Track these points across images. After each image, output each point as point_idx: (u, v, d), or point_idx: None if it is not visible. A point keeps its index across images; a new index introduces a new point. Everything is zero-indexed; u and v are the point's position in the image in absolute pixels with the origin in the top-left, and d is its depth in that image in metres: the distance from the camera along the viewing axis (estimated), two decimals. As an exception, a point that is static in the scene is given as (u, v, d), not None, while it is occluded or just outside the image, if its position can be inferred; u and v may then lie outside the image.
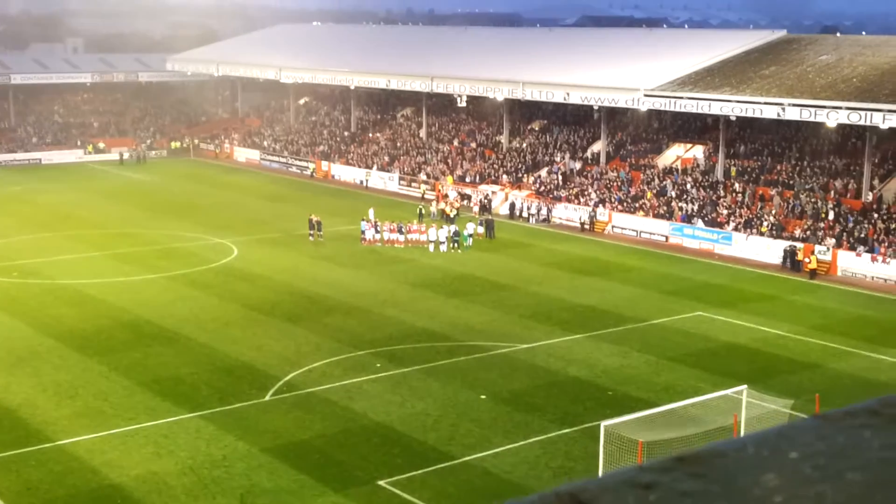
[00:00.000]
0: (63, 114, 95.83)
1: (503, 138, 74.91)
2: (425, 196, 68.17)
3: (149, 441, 27.56)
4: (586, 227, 59.88)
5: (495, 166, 71.39)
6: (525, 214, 63.46)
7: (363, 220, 55.74)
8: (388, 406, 30.36)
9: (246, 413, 29.71)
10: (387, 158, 78.26)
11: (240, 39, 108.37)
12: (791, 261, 50.43)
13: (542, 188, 65.85)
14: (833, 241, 50.92)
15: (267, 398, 31.03)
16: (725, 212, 56.70)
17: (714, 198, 58.65)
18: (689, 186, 60.66)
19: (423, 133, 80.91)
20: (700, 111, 59.92)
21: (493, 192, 66.48)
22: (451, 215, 59.81)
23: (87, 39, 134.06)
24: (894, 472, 1.08)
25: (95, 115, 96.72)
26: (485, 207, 63.98)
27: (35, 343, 36.30)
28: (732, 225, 55.27)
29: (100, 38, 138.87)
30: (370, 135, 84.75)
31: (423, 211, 60.85)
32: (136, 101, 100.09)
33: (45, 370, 33.38)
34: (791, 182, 57.89)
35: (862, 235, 50.87)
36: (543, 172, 68.51)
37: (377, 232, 54.66)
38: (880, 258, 48.54)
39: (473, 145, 76.33)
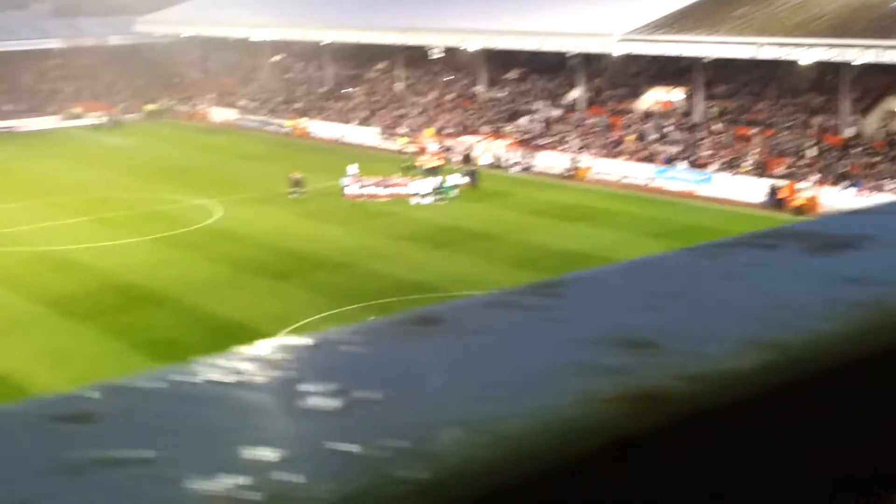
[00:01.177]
0: (35, 80, 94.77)
1: (481, 88, 74.63)
2: (405, 150, 67.95)
3: (147, 402, 27.58)
4: (569, 174, 59.93)
5: (475, 117, 71.20)
6: (507, 164, 63.43)
7: (344, 175, 55.58)
8: (383, 358, 30.46)
9: (241, 371, 29.73)
10: (365, 113, 77.90)
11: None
12: (774, 199, 50.67)
13: (523, 137, 65.79)
14: (815, 177, 51.21)
15: (261, 355, 31.06)
16: (707, 153, 56.85)
17: (695, 140, 58.77)
18: (669, 129, 60.73)
19: (400, 86, 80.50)
20: (675, 54, 59.86)
21: (474, 143, 66.35)
22: (435, 167, 59.67)
23: (54, 4, 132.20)
24: (744, 283, 1.16)
25: (67, 81, 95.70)
26: (467, 158, 63.88)
27: (24, 310, 36.18)
28: (715, 166, 55.45)
29: (67, 3, 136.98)
30: (346, 90, 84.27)
31: (408, 164, 60.64)
32: (108, 65, 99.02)
33: (36, 336, 33.31)
34: (771, 120, 58.04)
35: (844, 171, 51.16)
36: (523, 121, 68.39)
37: (359, 187, 54.54)
38: (863, 193, 48.86)
39: (451, 97, 76.05)
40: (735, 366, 0.94)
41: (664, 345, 0.98)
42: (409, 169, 59.06)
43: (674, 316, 1.07)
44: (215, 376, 0.91)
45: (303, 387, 0.87)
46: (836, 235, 1.36)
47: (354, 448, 0.76)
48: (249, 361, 0.96)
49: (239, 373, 0.93)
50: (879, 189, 48.75)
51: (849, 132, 54.63)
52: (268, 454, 0.75)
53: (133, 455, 0.75)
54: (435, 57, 73.83)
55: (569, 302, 1.10)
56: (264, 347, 0.99)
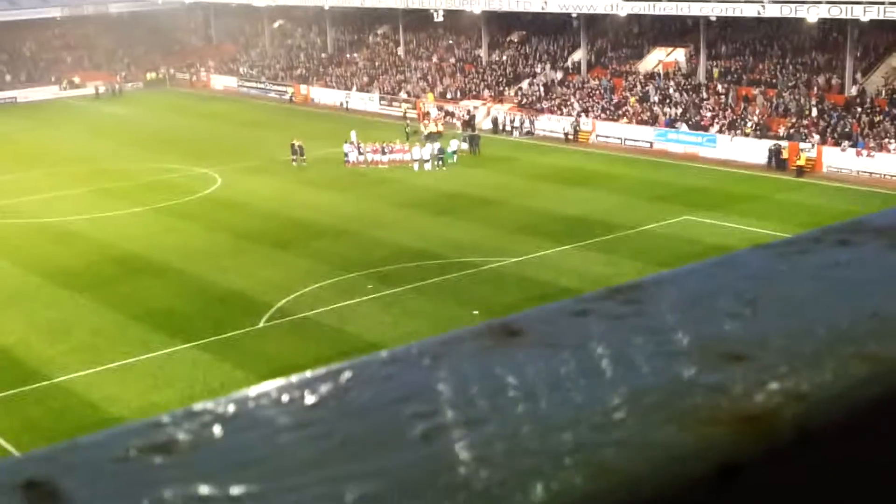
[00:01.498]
0: (35, 50, 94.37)
1: (482, 52, 74.12)
2: (407, 115, 67.62)
3: (146, 373, 27.64)
4: (570, 137, 59.60)
5: (476, 81, 70.76)
6: (508, 128, 63.08)
7: (346, 142, 55.35)
8: (381, 327, 30.45)
9: (241, 341, 29.77)
10: (366, 79, 77.48)
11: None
12: (776, 160, 50.35)
13: (525, 101, 65.38)
14: (817, 137, 50.83)
15: (261, 325, 31.08)
16: (709, 114, 56.46)
17: (697, 101, 58.35)
18: (671, 91, 60.30)
19: (401, 51, 80.00)
20: (679, 13, 59.32)
21: (476, 108, 65.97)
22: (435, 133, 59.34)
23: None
24: (829, 288, 1.11)
25: (68, 50, 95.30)
26: (468, 123, 63.51)
27: (23, 282, 36.18)
28: (717, 127, 55.08)
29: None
30: (347, 55, 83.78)
31: (412, 129, 60.26)
32: (108, 34, 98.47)
33: (37, 308, 33.31)
34: (774, 81, 57.57)
35: (846, 131, 50.76)
36: (525, 84, 67.95)
37: (360, 154, 54.31)
38: (865, 152, 48.51)
39: (452, 61, 75.56)
40: (839, 382, 0.89)
41: (759, 357, 0.93)
42: (413, 134, 58.78)
43: (763, 325, 1.01)
44: (297, 397, 0.85)
45: (403, 409, 0.83)
46: None
47: (468, 478, 0.73)
48: (332, 380, 0.89)
49: (326, 394, 0.86)
50: (882, 149, 48.40)
51: (852, 91, 54.17)
52: (371, 488, 0.71)
53: (220, 492, 0.71)
54: (437, 20, 73.28)
55: (650, 308, 1.05)
56: (343, 368, 0.91)
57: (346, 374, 0.89)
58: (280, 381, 0.88)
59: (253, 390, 0.85)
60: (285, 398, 0.85)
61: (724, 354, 0.94)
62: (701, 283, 1.13)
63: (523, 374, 0.91)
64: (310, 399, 0.84)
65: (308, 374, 0.88)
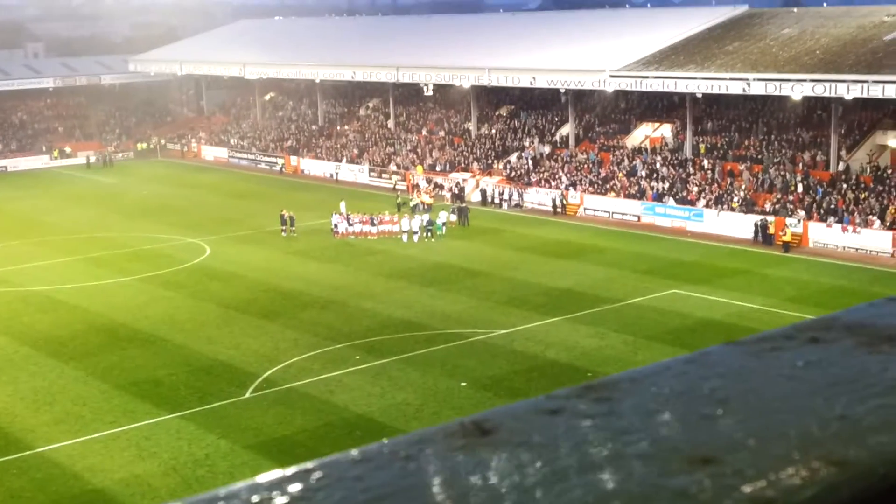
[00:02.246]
0: (27, 120, 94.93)
1: (471, 125, 74.85)
2: (397, 187, 68.02)
3: (130, 444, 27.40)
4: (558, 210, 59.97)
5: (465, 154, 71.35)
6: (497, 200, 63.47)
7: (335, 213, 55.60)
8: (369, 398, 30.31)
9: (226, 411, 29.58)
10: (356, 151, 78.05)
11: (202, 37, 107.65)
12: (763, 234, 50.70)
13: (513, 173, 65.88)
14: (803, 213, 51.25)
15: (247, 395, 30.91)
16: (696, 189, 56.94)
17: (684, 175, 58.88)
18: (658, 165, 60.86)
19: (391, 123, 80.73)
20: (666, 90, 60.12)
21: (465, 180, 66.43)
22: (424, 204, 59.68)
23: (48, 44, 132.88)
24: (799, 388, 1.10)
25: (59, 120, 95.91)
26: (457, 195, 63.90)
27: (9, 351, 35.98)
28: (703, 202, 55.52)
29: (60, 42, 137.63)
30: (338, 128, 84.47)
31: (402, 201, 60.48)
32: (100, 104, 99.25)
33: (22, 377, 33.10)
34: (759, 156, 58.19)
35: (832, 206, 51.21)
36: (513, 158, 68.53)
37: (349, 224, 54.52)
38: (851, 228, 48.89)
39: (442, 134, 76.25)
40: (807, 488, 0.87)
41: (727, 461, 0.92)
42: (403, 206, 59.07)
43: (733, 426, 1.00)
44: (266, 499, 0.85)
45: None
46: (891, 327, 1.28)
47: None
48: (301, 480, 0.88)
49: (296, 495, 0.85)
50: (868, 224, 48.80)
51: (837, 167, 54.74)
52: None
53: None
54: (427, 94, 74.10)
55: (621, 407, 1.05)
56: (313, 467, 0.90)
57: (317, 474, 0.88)
58: (249, 482, 0.86)
59: (222, 490, 0.84)
60: (255, 499, 0.84)
61: (692, 457, 0.92)
62: (673, 381, 1.15)
63: (491, 478, 0.90)
64: (279, 501, 0.83)
65: (278, 472, 0.87)
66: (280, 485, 0.86)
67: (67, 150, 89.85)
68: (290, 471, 0.88)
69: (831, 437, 0.97)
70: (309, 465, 0.89)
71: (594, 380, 1.13)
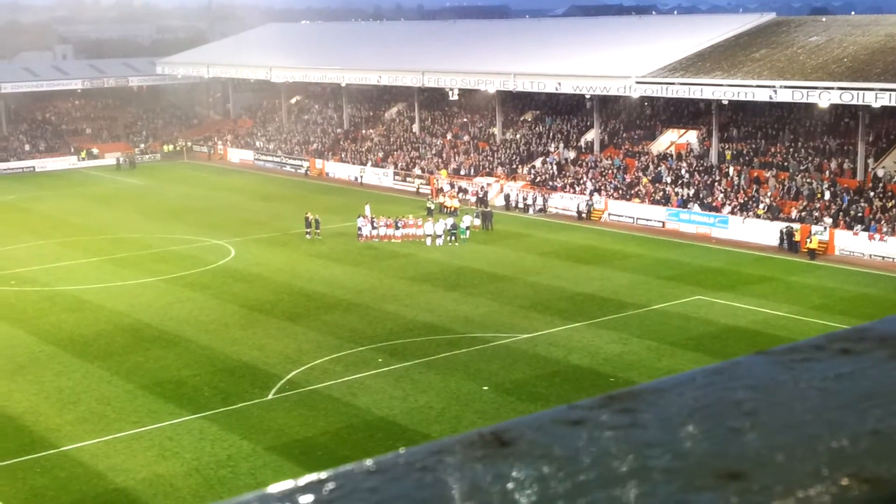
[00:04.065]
0: (55, 121, 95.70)
1: (496, 130, 74.86)
2: (420, 190, 68.05)
3: (153, 444, 27.54)
4: (583, 215, 59.88)
5: (489, 158, 71.36)
6: (521, 205, 63.43)
7: (359, 216, 55.71)
8: (391, 401, 30.35)
9: (249, 412, 29.68)
10: (381, 154, 78.21)
11: (229, 41, 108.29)
12: (788, 242, 50.44)
13: (538, 178, 65.84)
14: (829, 220, 50.96)
15: (269, 397, 31.01)
16: (721, 195, 56.72)
17: (709, 182, 58.66)
18: (683, 172, 60.66)
19: (415, 128, 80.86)
20: (692, 96, 59.92)
21: (489, 184, 66.43)
22: (449, 209, 59.69)
23: (77, 46, 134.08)
24: (830, 401, 1.07)
25: (87, 121, 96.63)
26: (481, 200, 63.91)
27: (35, 350, 36.25)
28: (728, 208, 55.29)
29: (89, 45, 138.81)
30: (363, 131, 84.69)
31: (429, 205, 60.31)
32: (128, 106, 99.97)
33: (47, 377, 33.33)
34: (786, 164, 57.91)
35: (858, 214, 50.89)
36: (538, 163, 68.49)
37: (374, 228, 54.62)
38: (877, 236, 48.57)
39: (467, 138, 76.29)
40: None
41: (755, 476, 0.89)
42: (429, 210, 59.07)
43: (761, 440, 0.98)
44: None
45: None
46: None
47: None
48: (314, 492, 0.87)
49: None
50: (893, 233, 48.47)
51: (864, 175, 54.40)
52: None
53: None
54: (452, 99, 74.18)
55: (645, 419, 1.02)
56: (327, 478, 0.88)
57: (329, 485, 0.86)
58: (259, 493, 0.84)
59: (233, 501, 0.84)
60: None
61: (718, 472, 0.89)
62: (699, 392, 1.11)
63: (510, 492, 0.87)
64: None
65: (290, 483, 0.85)
66: (291, 496, 0.84)
67: (95, 151, 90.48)
68: (302, 481, 0.87)
69: (863, 453, 0.94)
70: (322, 475, 0.88)
71: (617, 390, 1.10)
